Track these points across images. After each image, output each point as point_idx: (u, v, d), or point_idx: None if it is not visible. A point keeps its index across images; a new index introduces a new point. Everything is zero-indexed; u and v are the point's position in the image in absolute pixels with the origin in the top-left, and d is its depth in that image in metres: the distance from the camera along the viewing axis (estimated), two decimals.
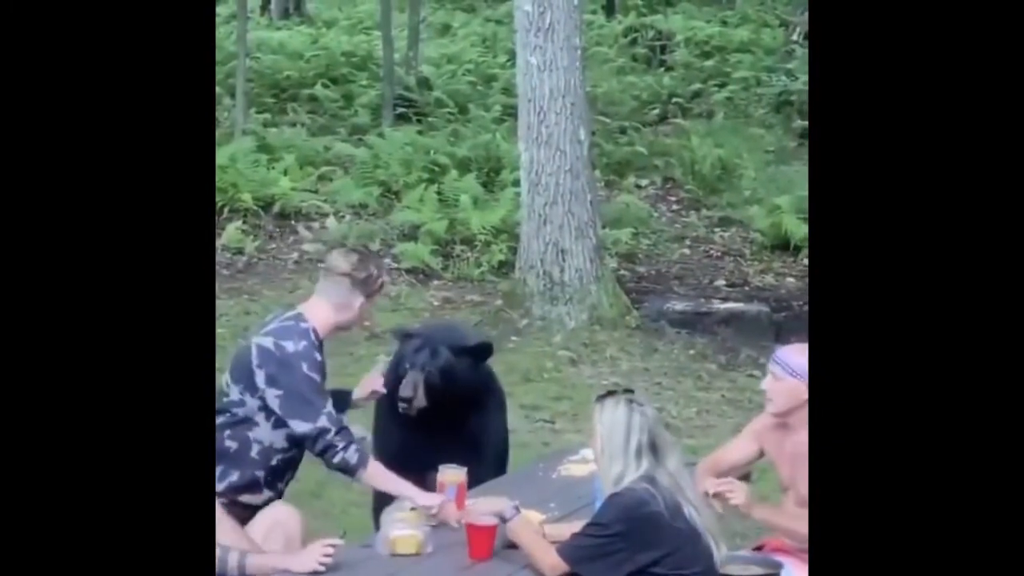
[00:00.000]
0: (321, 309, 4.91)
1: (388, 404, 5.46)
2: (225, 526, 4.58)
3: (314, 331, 4.85)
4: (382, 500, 5.03)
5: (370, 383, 5.29)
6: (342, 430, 4.78)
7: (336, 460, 4.76)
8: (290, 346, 4.78)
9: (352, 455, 4.76)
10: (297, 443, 4.88)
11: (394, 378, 5.35)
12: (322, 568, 4.26)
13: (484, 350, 5.55)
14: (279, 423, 4.81)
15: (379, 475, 4.86)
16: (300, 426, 4.76)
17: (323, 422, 4.75)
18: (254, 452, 4.84)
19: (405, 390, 5.26)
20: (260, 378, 4.78)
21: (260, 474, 4.87)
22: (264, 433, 4.84)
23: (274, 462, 4.89)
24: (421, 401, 5.27)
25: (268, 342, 4.82)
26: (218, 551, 4.24)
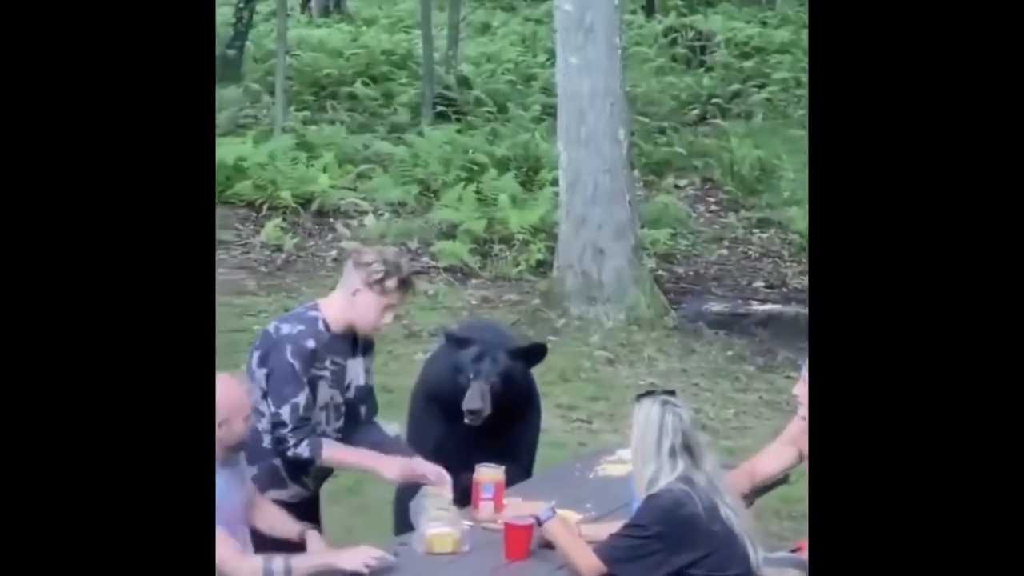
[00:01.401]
0: (335, 300, 4.86)
1: (424, 402, 5.46)
2: (271, 514, 4.59)
3: (324, 321, 4.79)
4: (405, 494, 5.02)
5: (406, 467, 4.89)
6: (298, 427, 4.71)
7: (289, 455, 4.75)
8: (285, 328, 4.75)
9: (304, 449, 4.72)
10: None
11: (449, 384, 5.27)
12: (366, 571, 4.25)
13: (539, 352, 5.49)
14: None
15: (338, 456, 4.82)
16: (271, 408, 4.74)
17: (284, 413, 4.71)
18: (266, 442, 4.80)
19: (473, 402, 5.14)
20: (254, 359, 4.77)
21: (278, 463, 4.82)
22: (269, 423, 4.79)
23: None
24: (488, 410, 5.18)
25: (271, 326, 4.82)
26: (261, 562, 4.22)
